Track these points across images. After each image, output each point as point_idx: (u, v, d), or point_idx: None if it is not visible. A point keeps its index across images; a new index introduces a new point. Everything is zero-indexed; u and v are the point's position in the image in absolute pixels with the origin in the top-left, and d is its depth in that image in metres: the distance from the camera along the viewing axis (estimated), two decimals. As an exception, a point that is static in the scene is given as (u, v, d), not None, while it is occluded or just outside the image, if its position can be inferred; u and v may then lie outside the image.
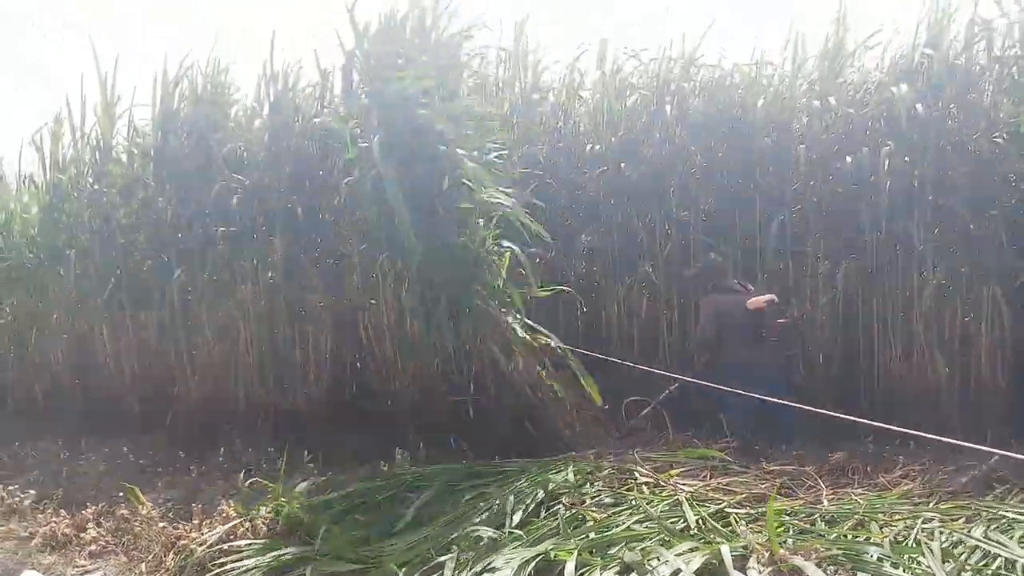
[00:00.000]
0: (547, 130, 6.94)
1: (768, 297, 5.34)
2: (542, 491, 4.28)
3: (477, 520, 4.05)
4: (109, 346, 7.26)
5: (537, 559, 3.34)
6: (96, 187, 7.37)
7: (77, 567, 4.29)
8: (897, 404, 5.51)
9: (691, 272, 5.95)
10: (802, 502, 4.14)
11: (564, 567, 3.25)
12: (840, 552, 3.23)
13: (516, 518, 4.04)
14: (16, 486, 5.52)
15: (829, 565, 3.16)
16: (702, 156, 6.49)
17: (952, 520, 3.71)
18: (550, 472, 4.65)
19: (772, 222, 5.97)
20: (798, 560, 3.10)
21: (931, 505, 3.94)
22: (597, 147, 6.62)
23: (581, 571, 3.24)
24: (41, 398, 7.57)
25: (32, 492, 5.39)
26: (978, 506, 3.89)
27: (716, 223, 6.43)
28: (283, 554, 3.87)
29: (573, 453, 5.11)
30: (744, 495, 4.16)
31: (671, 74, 6.68)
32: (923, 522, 3.62)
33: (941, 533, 3.51)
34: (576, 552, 3.34)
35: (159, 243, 6.98)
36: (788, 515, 3.92)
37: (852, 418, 3.73)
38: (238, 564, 3.88)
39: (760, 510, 3.95)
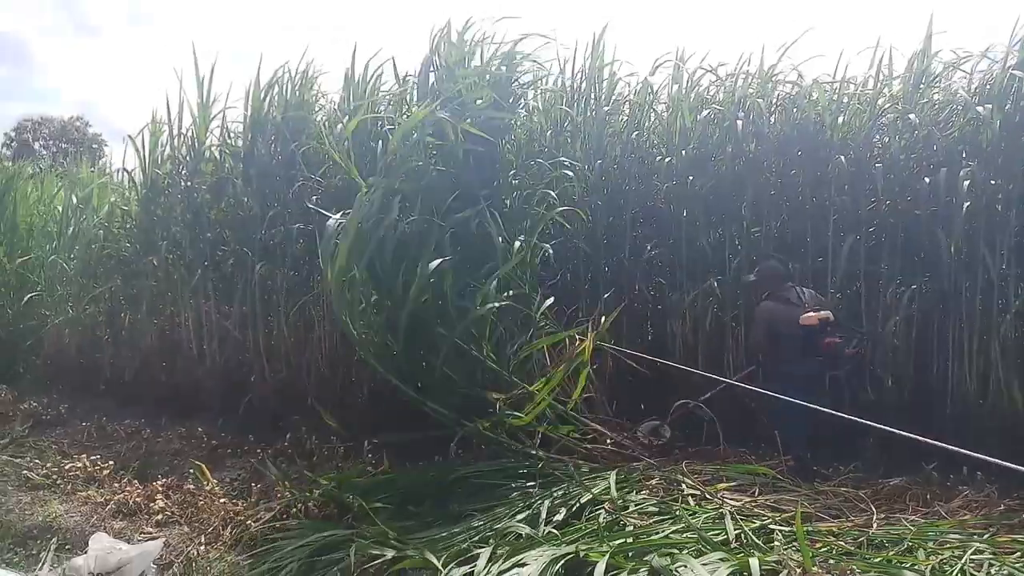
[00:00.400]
0: (620, 142, 6.97)
1: (823, 314, 5.18)
2: (586, 495, 4.32)
3: (518, 518, 4.12)
4: (193, 333, 7.68)
5: (567, 558, 3.39)
6: (189, 184, 7.82)
7: (144, 534, 4.58)
8: (969, 433, 5.27)
9: (750, 277, 5.82)
10: (851, 525, 4.05)
11: (595, 568, 3.29)
12: (876, 574, 3.16)
13: (557, 519, 4.10)
14: (98, 457, 5.91)
15: (864, 587, 3.11)
16: (775, 172, 6.41)
17: (1007, 554, 3.57)
18: (597, 477, 4.69)
19: (845, 241, 5.84)
20: (830, 579, 3.05)
21: (986, 537, 3.79)
22: (668, 159, 6.61)
23: (611, 573, 3.27)
24: (129, 377, 8.03)
25: (111, 463, 5.76)
26: (1039, 542, 3.72)
27: (787, 240, 6.33)
28: (330, 535, 4.04)
29: (625, 462, 5.12)
30: (791, 513, 4.09)
31: (748, 90, 6.61)
32: (973, 552, 3.50)
33: (991, 565, 3.39)
34: (608, 554, 3.37)
35: (244, 238, 7.34)
36: (834, 536, 3.86)
37: (888, 428, 3.57)
38: (288, 541, 4.07)
39: (805, 529, 3.88)
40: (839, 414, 3.85)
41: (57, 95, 62.72)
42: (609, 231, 6.87)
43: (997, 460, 2.87)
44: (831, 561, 3.39)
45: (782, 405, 4.35)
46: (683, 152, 6.55)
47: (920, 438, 3.16)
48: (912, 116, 5.84)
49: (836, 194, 6.07)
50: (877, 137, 6.24)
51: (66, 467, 5.68)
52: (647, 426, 5.74)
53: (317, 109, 7.70)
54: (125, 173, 8.70)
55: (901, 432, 3.27)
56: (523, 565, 3.40)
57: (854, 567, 3.16)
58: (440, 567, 3.58)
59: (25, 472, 5.70)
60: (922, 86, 6.10)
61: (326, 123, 7.46)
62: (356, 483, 4.76)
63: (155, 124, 8.12)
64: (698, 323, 6.40)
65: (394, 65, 6.80)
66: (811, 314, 5.16)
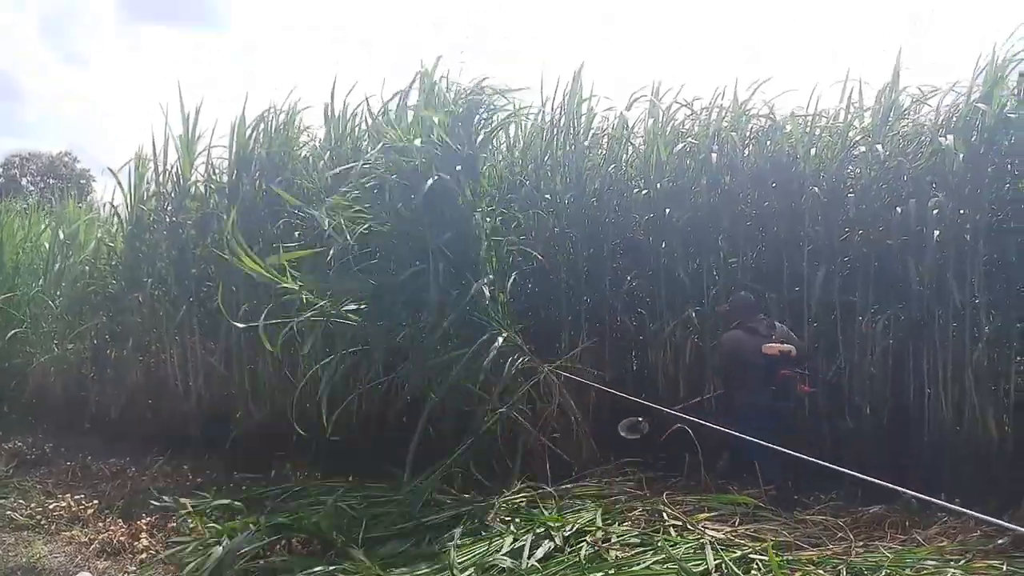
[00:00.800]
0: (599, 175, 7.09)
1: (785, 347, 5.36)
2: (569, 528, 4.37)
3: (502, 552, 4.16)
4: (179, 369, 7.69)
5: (548, 590, 3.44)
6: (174, 219, 7.87)
7: (127, 573, 4.58)
8: (945, 460, 5.36)
9: (722, 307, 6.01)
10: (831, 553, 4.11)
11: (575, 601, 3.34)
12: (850, 603, 3.22)
13: (540, 552, 4.14)
14: (83, 496, 5.90)
15: (839, 615, 3.16)
16: (750, 204, 6.55)
17: (981, 580, 3.65)
18: (580, 510, 4.74)
19: (819, 271, 5.97)
20: (804, 607, 3.11)
21: (962, 563, 3.86)
22: (645, 192, 6.74)
23: (591, 605, 3.32)
24: (115, 415, 8.00)
25: (96, 502, 5.75)
26: (1012, 568, 3.79)
27: (764, 270, 6.45)
28: (313, 572, 4.06)
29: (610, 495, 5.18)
30: (771, 542, 4.15)
31: (722, 123, 6.77)
32: (947, 578, 3.58)
33: (965, 591, 3.46)
34: (588, 587, 3.42)
35: (228, 274, 7.37)
36: (814, 565, 3.92)
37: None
38: (271, 579, 4.09)
39: (785, 558, 3.95)
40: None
41: (45, 130, 62.85)
42: (590, 263, 6.97)
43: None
44: (808, 589, 3.46)
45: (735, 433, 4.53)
46: (659, 185, 6.70)
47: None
48: (880, 147, 5.99)
49: (810, 224, 6.21)
50: (849, 168, 6.39)
51: (50, 507, 5.67)
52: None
53: (301, 145, 7.81)
54: (112, 209, 8.74)
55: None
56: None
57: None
58: (423, 602, 3.62)
59: (9, 513, 5.69)
60: (891, 119, 6.26)
61: (310, 159, 7.58)
62: (339, 520, 4.78)
63: (140, 160, 8.18)
64: (678, 352, 6.49)
65: (367, 105, 6.98)
66: (772, 346, 5.36)
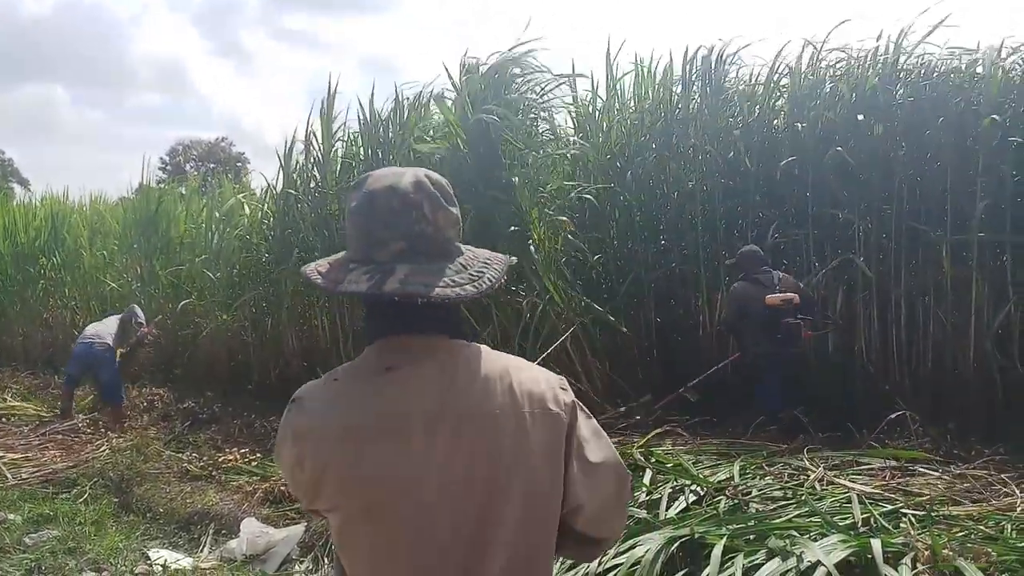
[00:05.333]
0: (735, 125, 6.82)
1: (787, 296, 5.52)
2: (707, 484, 4.29)
3: (637, 504, 4.15)
4: (328, 334, 8.12)
5: (683, 540, 3.40)
6: (318, 193, 8.29)
7: (288, 520, 4.93)
8: None
9: (730, 260, 6.19)
10: (993, 508, 3.84)
11: (712, 550, 3.29)
12: (1016, 559, 2.99)
13: (678, 506, 4.09)
14: (247, 450, 6.38)
15: (1001, 573, 2.95)
16: (908, 147, 6.06)
17: None
18: (722, 464, 4.65)
19: (981, 209, 5.51)
20: (961, 562, 2.91)
21: None
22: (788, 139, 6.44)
23: (728, 555, 3.26)
24: (274, 378, 8.56)
25: (259, 455, 6.21)
26: None
27: (925, 213, 5.99)
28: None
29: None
30: (925, 498, 3.92)
31: (876, 67, 6.30)
32: None
33: None
34: (726, 537, 3.35)
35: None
36: (973, 520, 3.67)
37: None
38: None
39: (941, 513, 3.71)
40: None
41: (207, 116, 67.83)
42: (728, 216, 6.75)
43: None
44: (967, 545, 3.23)
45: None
46: (803, 128, 6.35)
47: None
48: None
49: (982, 167, 5.68)
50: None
51: (220, 460, 6.17)
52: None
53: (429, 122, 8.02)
54: (263, 187, 9.33)
55: None
56: (641, 545, 3.43)
57: (990, 550, 3.00)
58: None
59: (185, 465, 6.23)
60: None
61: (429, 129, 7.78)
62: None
63: (288, 140, 8.65)
64: (827, 303, 6.23)
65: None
66: (775, 296, 5.52)
